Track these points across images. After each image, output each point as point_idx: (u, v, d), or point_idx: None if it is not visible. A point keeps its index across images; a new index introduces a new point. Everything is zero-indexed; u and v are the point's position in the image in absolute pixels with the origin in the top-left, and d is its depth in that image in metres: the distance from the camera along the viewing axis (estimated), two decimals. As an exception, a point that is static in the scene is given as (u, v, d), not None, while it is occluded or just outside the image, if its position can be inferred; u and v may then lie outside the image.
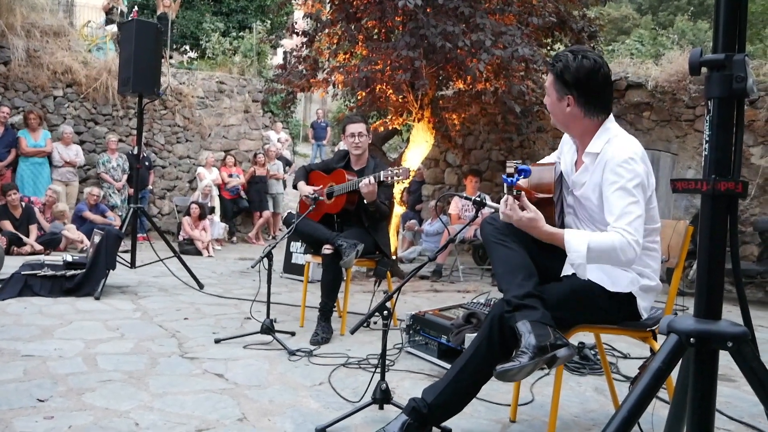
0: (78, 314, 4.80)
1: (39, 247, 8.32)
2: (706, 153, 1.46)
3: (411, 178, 5.88)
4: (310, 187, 4.69)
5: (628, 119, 8.64)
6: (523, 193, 2.32)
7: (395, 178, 4.15)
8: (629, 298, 2.41)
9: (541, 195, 2.42)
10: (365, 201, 4.38)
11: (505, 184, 2.30)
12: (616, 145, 2.35)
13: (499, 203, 2.45)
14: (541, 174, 2.51)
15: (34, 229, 8.56)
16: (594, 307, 2.41)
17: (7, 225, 8.34)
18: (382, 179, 4.21)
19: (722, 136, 1.44)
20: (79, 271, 5.56)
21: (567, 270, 2.51)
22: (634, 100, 8.56)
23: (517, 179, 2.29)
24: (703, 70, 1.45)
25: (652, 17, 28.44)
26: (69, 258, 5.84)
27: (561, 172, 2.61)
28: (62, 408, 2.79)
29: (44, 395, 2.93)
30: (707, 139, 1.45)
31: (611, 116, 2.48)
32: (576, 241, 2.24)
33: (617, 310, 2.44)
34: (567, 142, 2.65)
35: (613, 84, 8.56)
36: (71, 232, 8.85)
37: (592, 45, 8.34)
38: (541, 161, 2.77)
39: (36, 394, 2.95)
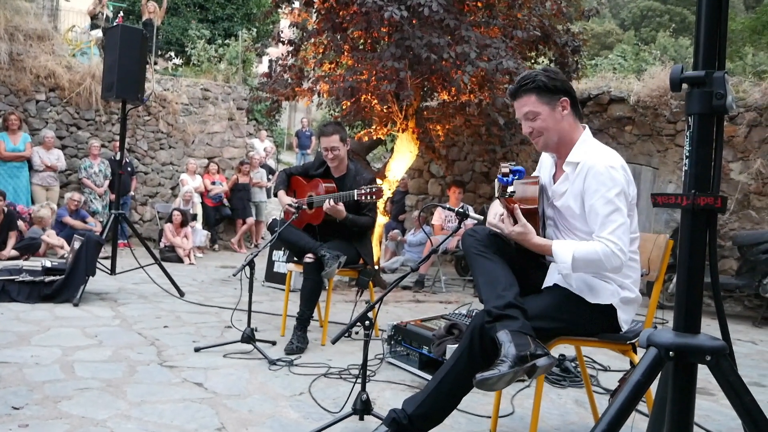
0: (56, 321, 4.74)
1: (14, 253, 8.22)
2: (687, 168, 1.48)
3: (385, 195, 5.81)
4: (290, 198, 4.66)
5: (609, 133, 8.72)
6: (516, 205, 2.39)
7: (369, 197, 4.12)
8: (610, 310, 2.44)
9: (526, 206, 2.46)
10: (337, 220, 4.36)
11: (499, 184, 2.35)
12: (597, 154, 2.42)
13: (481, 215, 2.48)
14: (525, 188, 2.57)
15: (13, 235, 8.44)
16: (574, 319, 2.43)
17: (-13, 231, 8.22)
18: (355, 198, 4.18)
19: (702, 152, 1.46)
20: (58, 277, 5.49)
21: (548, 282, 2.54)
22: (616, 114, 8.65)
23: (512, 179, 2.34)
24: (684, 86, 1.47)
25: (634, 33, 28.86)
26: (48, 264, 5.77)
27: (543, 185, 2.65)
28: (37, 416, 2.75)
29: (19, 403, 2.89)
30: (687, 154, 1.47)
31: (587, 128, 2.56)
32: (562, 251, 2.34)
33: (597, 322, 2.46)
34: (545, 159, 2.72)
35: (596, 98, 8.74)
36: (51, 237, 8.74)
37: (575, 59, 8.42)
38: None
39: (11, 401, 2.90)
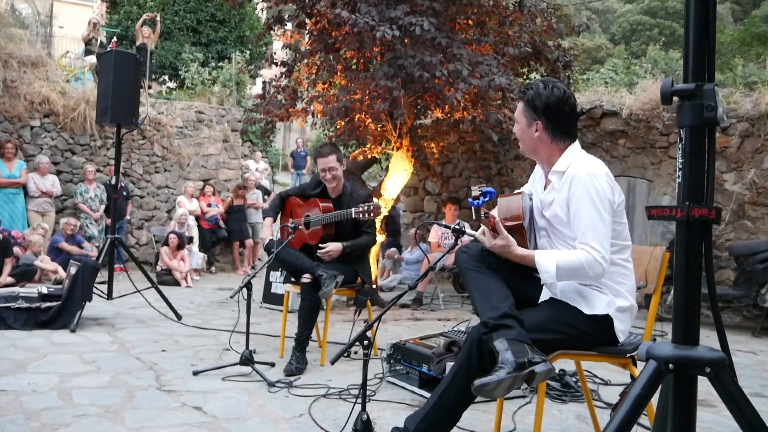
0: (53, 347, 4.71)
1: (10, 280, 8.17)
2: (680, 180, 1.48)
3: (382, 214, 5.86)
4: (276, 229, 4.74)
5: (603, 147, 8.75)
6: (495, 215, 2.41)
7: (366, 215, 4.13)
8: (607, 321, 2.43)
9: (511, 223, 2.49)
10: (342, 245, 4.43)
11: (472, 208, 2.38)
12: (581, 162, 2.45)
13: (477, 231, 2.51)
14: (509, 203, 2.62)
15: (8, 262, 8.40)
16: (572, 331, 2.43)
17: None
18: (353, 216, 4.19)
19: (695, 164, 1.47)
20: (54, 303, 5.46)
21: (545, 296, 2.53)
22: (609, 127, 8.69)
23: (483, 202, 2.38)
24: (675, 99, 1.48)
25: (625, 47, 29.05)
26: (44, 290, 5.74)
27: (531, 200, 2.68)
28: (35, 444, 2.73)
29: (17, 431, 2.86)
30: (680, 166, 1.48)
31: (576, 142, 2.58)
32: (545, 261, 2.35)
33: (595, 334, 2.45)
34: (536, 172, 2.75)
35: (589, 112, 8.78)
36: (46, 262, 8.70)
37: (567, 74, 8.46)
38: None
39: (8, 430, 2.87)
